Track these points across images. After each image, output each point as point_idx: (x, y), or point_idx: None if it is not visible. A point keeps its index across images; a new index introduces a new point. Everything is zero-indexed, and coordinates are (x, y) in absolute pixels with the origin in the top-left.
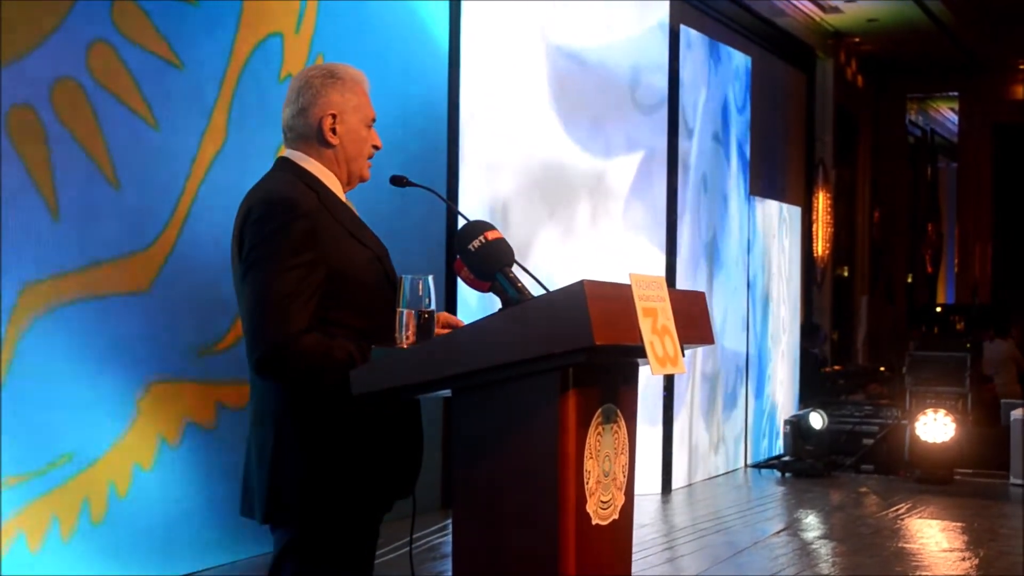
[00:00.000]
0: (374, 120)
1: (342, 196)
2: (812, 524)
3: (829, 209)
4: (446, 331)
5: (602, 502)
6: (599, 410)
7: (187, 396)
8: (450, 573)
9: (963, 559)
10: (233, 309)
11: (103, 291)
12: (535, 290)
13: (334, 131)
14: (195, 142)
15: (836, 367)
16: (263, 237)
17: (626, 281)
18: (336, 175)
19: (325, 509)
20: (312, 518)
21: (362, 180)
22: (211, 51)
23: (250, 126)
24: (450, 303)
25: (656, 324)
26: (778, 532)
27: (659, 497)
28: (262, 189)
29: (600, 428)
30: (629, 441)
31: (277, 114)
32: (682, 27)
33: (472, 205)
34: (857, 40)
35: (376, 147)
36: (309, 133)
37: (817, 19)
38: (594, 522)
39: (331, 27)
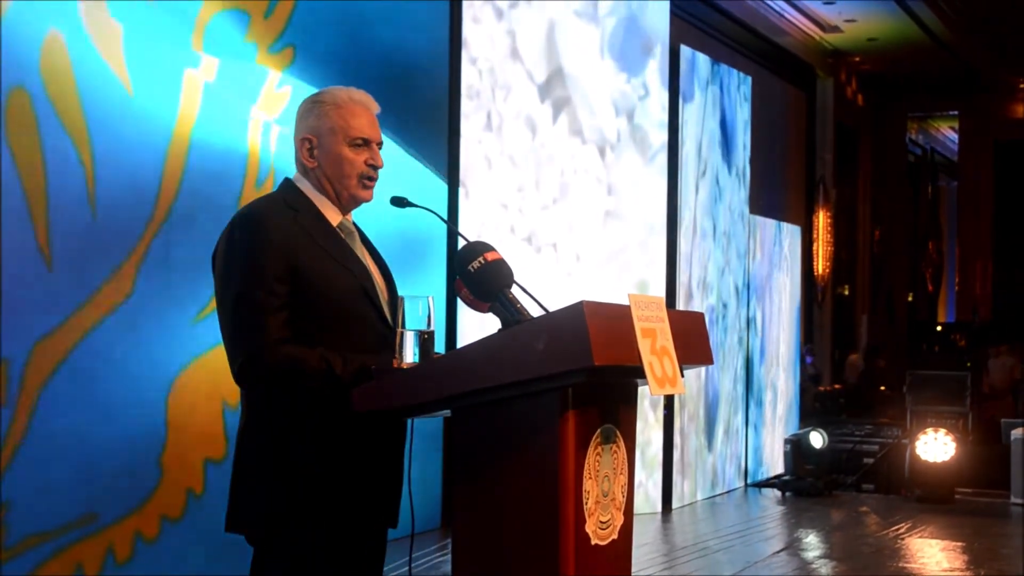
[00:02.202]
0: (363, 139)
1: (334, 217)
2: (812, 543)
3: (829, 228)
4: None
5: (601, 522)
6: (598, 430)
7: None
8: None
9: None
10: None
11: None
12: (535, 311)
13: (312, 155)
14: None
15: (836, 386)
16: (231, 252)
17: (625, 302)
18: (328, 197)
19: (280, 523)
20: (268, 532)
21: (360, 200)
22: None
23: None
24: (450, 324)
25: (655, 344)
26: (778, 551)
27: (659, 516)
28: (243, 208)
29: (599, 448)
30: (628, 461)
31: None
32: (682, 47)
33: (471, 226)
34: (857, 59)
35: (373, 166)
36: (297, 158)
37: (817, 38)
38: (593, 542)
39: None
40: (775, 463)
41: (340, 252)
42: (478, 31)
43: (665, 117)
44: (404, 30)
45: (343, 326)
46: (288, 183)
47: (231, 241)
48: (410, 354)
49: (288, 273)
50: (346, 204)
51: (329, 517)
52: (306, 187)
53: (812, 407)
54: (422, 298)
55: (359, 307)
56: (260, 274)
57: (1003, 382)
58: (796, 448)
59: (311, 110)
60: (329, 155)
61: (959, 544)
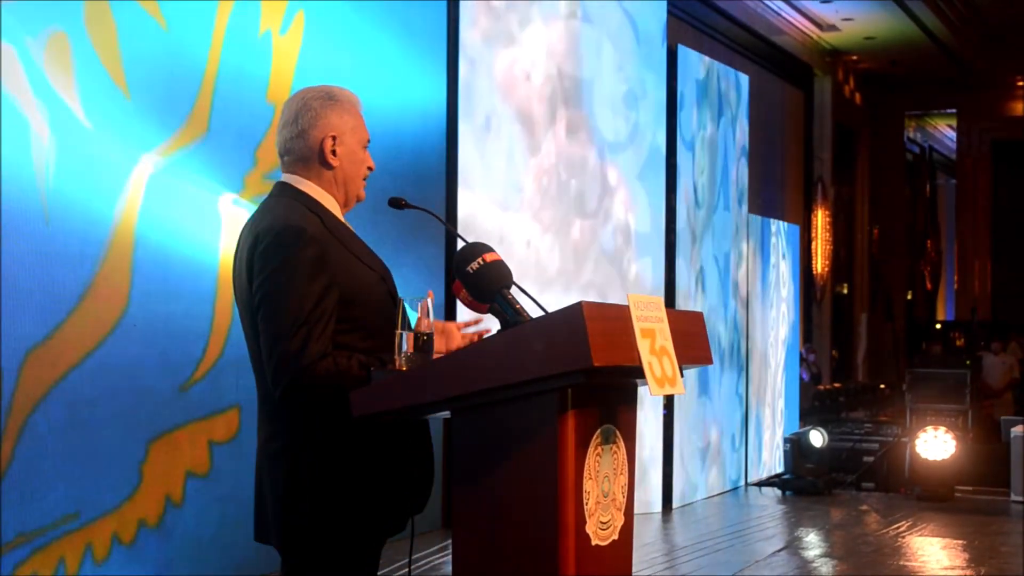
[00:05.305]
0: (369, 141)
1: (342, 218)
2: (813, 542)
3: (828, 226)
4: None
5: (601, 523)
6: (598, 431)
7: None
8: None
9: None
10: None
11: None
12: (534, 312)
13: (334, 152)
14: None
15: (836, 384)
16: (275, 267)
17: (625, 302)
18: (335, 197)
19: (342, 533)
20: (329, 543)
21: (358, 200)
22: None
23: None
24: None
25: (654, 345)
26: (778, 551)
27: (660, 516)
28: (267, 218)
29: (599, 449)
30: (628, 461)
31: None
32: (680, 46)
33: (471, 227)
34: (855, 58)
35: (370, 168)
36: (309, 155)
37: (815, 37)
38: (594, 543)
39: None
40: (775, 462)
41: (363, 253)
42: (475, 31)
43: (663, 117)
44: (402, 32)
45: (377, 329)
46: (290, 188)
47: (269, 255)
48: (409, 355)
49: (332, 284)
50: (348, 204)
51: (374, 524)
52: (312, 189)
53: (811, 406)
54: (421, 298)
55: (387, 307)
56: (306, 290)
57: (1001, 381)
58: (796, 447)
59: (330, 107)
60: (349, 154)
61: (959, 542)
